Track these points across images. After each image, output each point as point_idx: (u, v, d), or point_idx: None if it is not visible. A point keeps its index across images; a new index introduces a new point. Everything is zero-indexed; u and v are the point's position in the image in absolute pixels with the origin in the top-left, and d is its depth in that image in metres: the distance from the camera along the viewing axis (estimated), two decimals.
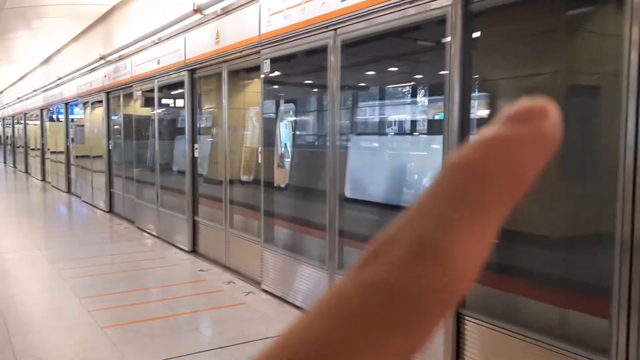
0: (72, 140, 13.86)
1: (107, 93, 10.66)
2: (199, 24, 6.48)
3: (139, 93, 8.70)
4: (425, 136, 5.33)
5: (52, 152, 16.29)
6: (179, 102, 7.70)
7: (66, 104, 14.15)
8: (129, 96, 9.50)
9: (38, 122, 18.00)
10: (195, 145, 7.17)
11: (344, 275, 0.18)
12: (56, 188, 15.49)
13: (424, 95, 5.72)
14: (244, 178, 6.53)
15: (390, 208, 4.38)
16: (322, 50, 4.42)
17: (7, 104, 24.24)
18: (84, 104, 12.29)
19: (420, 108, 5.74)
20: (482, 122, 3.71)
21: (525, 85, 3.45)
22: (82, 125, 12.62)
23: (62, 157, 14.80)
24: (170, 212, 7.81)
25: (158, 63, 7.82)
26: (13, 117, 23.50)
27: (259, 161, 5.47)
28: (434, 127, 4.95)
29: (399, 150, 5.12)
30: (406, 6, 3.61)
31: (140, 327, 4.32)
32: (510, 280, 3.48)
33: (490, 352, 3.23)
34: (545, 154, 0.18)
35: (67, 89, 13.65)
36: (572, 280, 3.23)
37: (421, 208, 0.18)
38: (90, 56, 11.01)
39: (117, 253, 7.39)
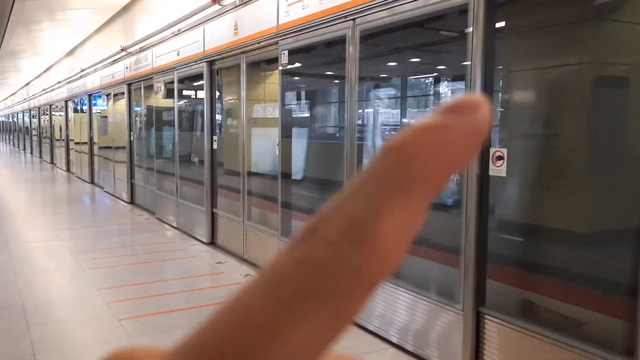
0: (95, 131, 14.01)
1: (129, 84, 10.72)
2: (218, 15, 6.43)
3: (159, 84, 8.72)
4: None
5: (76, 143, 16.50)
6: (199, 94, 7.69)
7: (89, 95, 14.30)
8: (149, 88, 9.53)
9: (63, 114, 18.25)
10: (214, 137, 7.16)
11: (283, 247, 0.19)
12: (80, 179, 15.70)
13: (446, 87, 5.61)
14: (263, 170, 6.49)
15: None
16: (341, 41, 4.33)
17: (32, 95, 24.63)
18: (107, 95, 12.39)
19: (442, 99, 5.62)
20: (504, 113, 3.60)
21: (550, 77, 3.33)
22: (105, 117, 12.73)
23: (86, 148, 14.98)
24: (189, 203, 7.83)
25: (178, 54, 7.81)
26: (39, 108, 23.88)
27: (277, 153, 5.42)
28: None
29: None
30: None
31: (157, 320, 4.32)
32: (533, 278, 3.38)
33: (510, 352, 3.14)
34: (473, 144, 0.19)
35: (90, 81, 13.78)
36: (596, 278, 3.12)
37: (354, 188, 0.19)
38: (112, 48, 11.08)
39: (136, 244, 7.43)
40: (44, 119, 22.81)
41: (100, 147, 13.53)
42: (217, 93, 7.20)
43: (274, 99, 6.17)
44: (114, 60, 11.30)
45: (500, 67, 3.53)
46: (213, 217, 7.18)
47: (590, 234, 3.25)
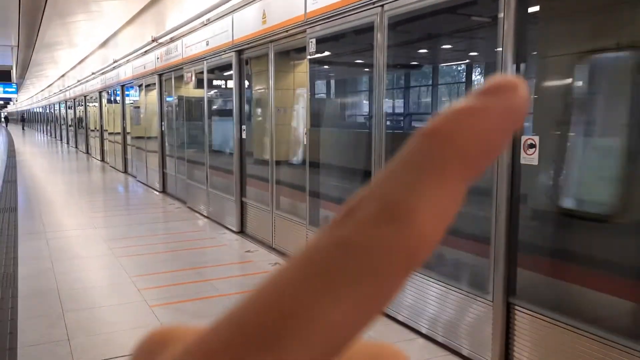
0: (128, 121, 14.24)
1: (160, 75, 10.84)
2: (246, 4, 6.43)
3: (189, 74, 8.79)
4: None
5: (109, 133, 16.81)
6: (229, 84, 7.72)
7: (122, 86, 14.53)
8: (180, 78, 9.62)
9: (97, 104, 18.61)
10: (243, 127, 7.19)
11: (320, 230, 0.19)
12: (114, 168, 16.01)
13: (478, 74, 5.49)
14: (293, 160, 6.49)
15: None
16: (369, 28, 4.28)
17: (68, 86, 25.18)
18: (139, 86, 12.57)
19: (472, 87, 5.51)
20: (538, 100, 3.50)
21: (587, 62, 3.22)
22: (138, 107, 12.92)
23: (119, 138, 15.25)
24: (219, 192, 7.90)
25: (207, 44, 7.85)
26: (74, 99, 24.41)
27: (305, 142, 5.41)
28: None
29: None
30: None
31: (187, 307, 4.39)
32: (567, 268, 3.30)
33: (542, 345, 3.07)
34: (511, 125, 0.19)
35: (123, 72, 14.00)
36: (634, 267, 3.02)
37: (390, 171, 0.19)
38: (143, 39, 11.21)
39: (168, 233, 7.54)
40: (79, 109, 23.30)
41: (133, 137, 13.76)
42: (247, 83, 7.22)
43: (303, 88, 6.15)
44: (145, 51, 11.45)
45: (534, 53, 3.44)
46: (242, 206, 7.23)
47: (627, 222, 3.14)
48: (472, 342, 3.43)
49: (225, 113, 8.02)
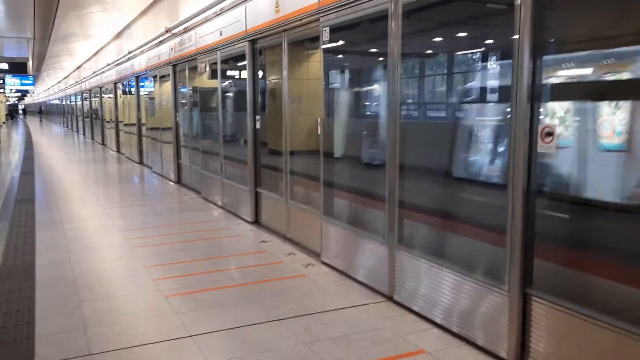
0: (143, 112, 14.30)
1: (174, 66, 10.86)
2: None
3: (203, 65, 8.78)
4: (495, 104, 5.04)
5: (125, 125, 16.91)
6: (243, 74, 7.70)
7: (137, 77, 14.58)
8: (194, 69, 9.62)
9: (112, 96, 18.71)
10: (257, 117, 7.17)
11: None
12: (129, 159, 16.13)
13: (494, 63, 5.40)
14: (307, 150, 6.46)
15: (454, 179, 4.19)
16: (383, 17, 4.22)
17: (84, 78, 25.35)
18: (153, 77, 12.60)
19: (490, 75, 5.43)
20: (556, 88, 3.44)
21: (606, 48, 3.14)
22: (153, 98, 12.97)
23: (135, 129, 15.34)
24: (233, 183, 7.91)
25: (220, 34, 7.84)
26: (90, 90, 24.57)
27: (319, 132, 5.38)
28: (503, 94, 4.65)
29: (466, 120, 4.86)
30: None
31: (202, 297, 4.40)
32: (585, 258, 3.25)
33: (559, 336, 3.03)
34: None
35: (137, 63, 14.05)
36: None
37: None
38: (157, 30, 11.22)
39: (183, 223, 7.58)
40: (95, 101, 23.46)
41: (148, 128, 13.83)
42: (261, 73, 7.20)
43: (318, 77, 6.11)
44: (160, 42, 11.46)
45: (552, 40, 3.36)
46: (257, 197, 7.23)
47: None
48: (487, 333, 3.40)
49: (239, 103, 8.02)
